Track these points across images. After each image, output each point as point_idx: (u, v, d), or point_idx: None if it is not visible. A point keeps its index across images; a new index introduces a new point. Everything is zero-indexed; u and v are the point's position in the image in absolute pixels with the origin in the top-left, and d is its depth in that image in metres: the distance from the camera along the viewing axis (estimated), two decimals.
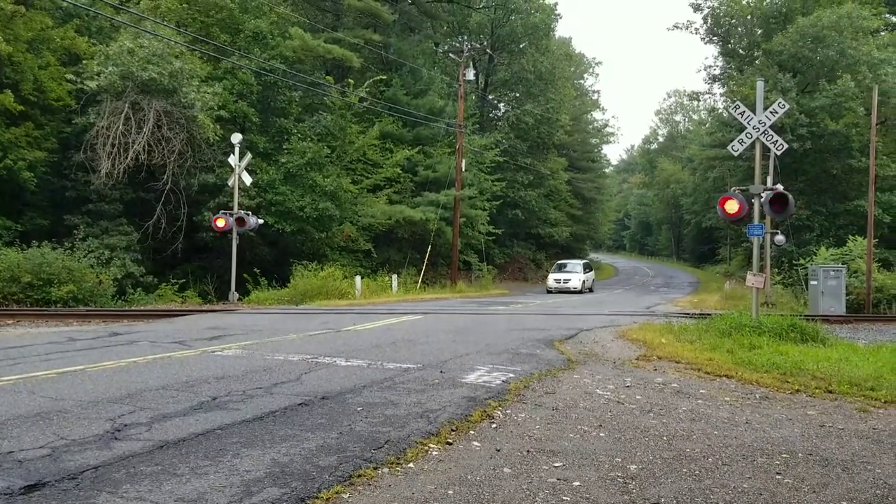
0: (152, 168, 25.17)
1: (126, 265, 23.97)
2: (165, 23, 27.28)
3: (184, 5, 29.54)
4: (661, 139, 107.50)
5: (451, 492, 4.47)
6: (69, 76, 25.19)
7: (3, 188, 23.92)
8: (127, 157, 24.02)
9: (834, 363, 9.87)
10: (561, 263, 43.42)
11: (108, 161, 23.88)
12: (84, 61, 25.48)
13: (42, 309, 18.42)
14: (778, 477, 4.96)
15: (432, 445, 5.47)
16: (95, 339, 12.02)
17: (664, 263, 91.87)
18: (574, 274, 40.21)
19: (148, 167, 24.99)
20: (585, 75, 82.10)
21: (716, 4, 48.06)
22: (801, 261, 29.81)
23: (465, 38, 51.30)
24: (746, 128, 13.54)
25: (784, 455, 5.54)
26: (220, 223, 22.93)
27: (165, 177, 25.16)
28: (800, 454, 5.59)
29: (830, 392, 8.28)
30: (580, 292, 38.02)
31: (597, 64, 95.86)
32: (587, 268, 43.60)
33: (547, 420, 6.51)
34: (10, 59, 23.76)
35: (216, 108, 26.25)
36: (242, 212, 23.55)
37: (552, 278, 40.06)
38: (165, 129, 24.72)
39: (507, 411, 6.80)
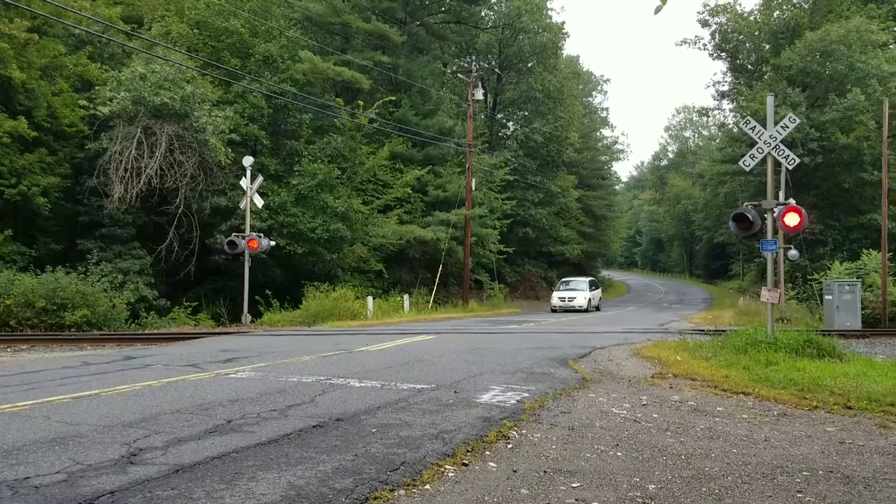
0: (165, 192, 25.37)
1: (139, 289, 24.09)
2: (177, 48, 27.58)
3: (195, 31, 29.98)
4: (670, 155, 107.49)
5: None
6: (82, 102, 25.56)
7: (18, 214, 24.19)
8: (139, 182, 24.26)
9: (852, 379, 9.77)
10: (565, 281, 41.92)
11: (121, 185, 24.12)
12: (97, 87, 25.86)
13: (56, 334, 18.49)
14: (799, 495, 4.90)
15: (448, 466, 5.43)
16: (110, 363, 12.03)
17: (676, 280, 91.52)
18: (579, 292, 38.59)
19: (160, 191, 25.20)
20: (594, 93, 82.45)
21: (723, 20, 48.23)
22: (815, 275, 29.60)
23: (474, 58, 51.55)
24: (757, 143, 13.49)
25: (804, 473, 5.47)
26: (233, 246, 23.08)
27: (178, 200, 25.34)
28: (820, 472, 5.52)
29: (849, 408, 8.18)
30: (586, 311, 36.57)
31: (605, 81, 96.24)
32: (593, 285, 42.03)
33: (563, 440, 6.46)
34: (24, 86, 24.10)
35: (227, 131, 26.49)
36: (254, 234, 23.70)
37: (556, 296, 38.39)
38: (177, 153, 24.94)
39: (523, 431, 6.74)
